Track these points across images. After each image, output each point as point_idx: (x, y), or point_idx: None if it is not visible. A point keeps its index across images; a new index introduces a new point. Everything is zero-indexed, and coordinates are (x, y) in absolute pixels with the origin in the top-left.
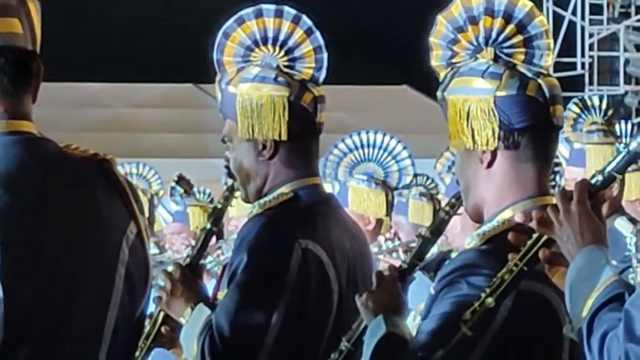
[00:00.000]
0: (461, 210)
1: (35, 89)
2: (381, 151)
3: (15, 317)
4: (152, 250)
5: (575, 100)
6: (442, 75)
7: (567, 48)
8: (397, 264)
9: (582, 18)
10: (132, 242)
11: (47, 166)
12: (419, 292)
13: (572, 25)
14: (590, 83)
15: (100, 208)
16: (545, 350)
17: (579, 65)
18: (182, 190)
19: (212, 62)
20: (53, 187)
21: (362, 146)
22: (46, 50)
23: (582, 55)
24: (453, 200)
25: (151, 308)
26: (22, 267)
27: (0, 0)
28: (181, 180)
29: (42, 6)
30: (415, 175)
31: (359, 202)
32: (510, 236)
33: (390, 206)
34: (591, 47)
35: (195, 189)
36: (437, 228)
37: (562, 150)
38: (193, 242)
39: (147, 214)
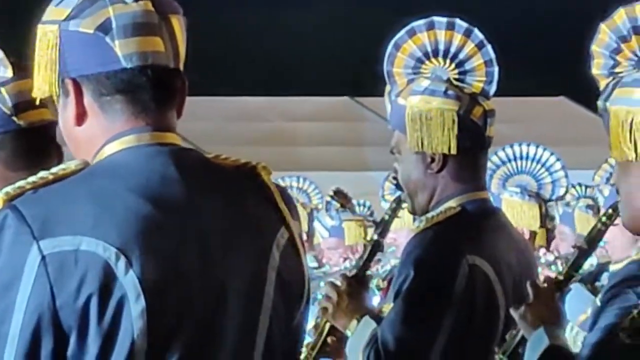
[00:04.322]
0: (619, 221)
1: (179, 105)
2: (534, 163)
3: (160, 329)
4: (311, 263)
5: None
6: (602, 84)
7: None
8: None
9: None
10: (283, 248)
11: (190, 175)
12: (576, 303)
13: None
14: None
15: (248, 214)
16: None
17: None
18: (338, 205)
19: (369, 75)
20: (195, 196)
21: (515, 158)
22: (208, 65)
23: None
24: (610, 211)
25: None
26: (164, 278)
27: (142, 19)
28: (337, 194)
29: (207, 25)
30: (586, 187)
31: (513, 214)
32: None
33: (544, 218)
34: None
35: (354, 202)
36: (594, 239)
37: None
38: (351, 256)
39: (306, 228)
